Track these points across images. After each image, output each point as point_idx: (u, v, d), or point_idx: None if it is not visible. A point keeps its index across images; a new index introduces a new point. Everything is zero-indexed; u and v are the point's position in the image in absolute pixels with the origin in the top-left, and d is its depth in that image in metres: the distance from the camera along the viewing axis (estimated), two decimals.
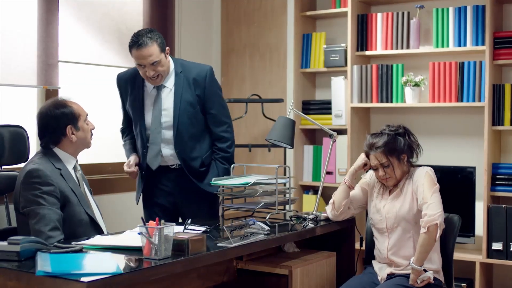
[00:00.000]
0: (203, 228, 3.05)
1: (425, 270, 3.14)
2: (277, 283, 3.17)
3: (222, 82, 5.38)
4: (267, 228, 3.11)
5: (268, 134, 3.68)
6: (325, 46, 4.98)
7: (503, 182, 4.36)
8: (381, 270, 3.34)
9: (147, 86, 3.69)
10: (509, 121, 4.33)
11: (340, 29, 5.06)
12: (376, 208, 3.38)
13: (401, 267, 3.27)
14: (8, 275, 2.38)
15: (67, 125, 3.09)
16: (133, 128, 3.78)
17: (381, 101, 4.75)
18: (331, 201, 3.51)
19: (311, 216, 3.50)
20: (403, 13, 4.71)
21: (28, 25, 4.03)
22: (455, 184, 4.40)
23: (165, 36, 4.95)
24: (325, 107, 5.05)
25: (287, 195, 3.63)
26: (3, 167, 3.36)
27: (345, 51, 4.88)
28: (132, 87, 3.73)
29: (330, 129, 3.85)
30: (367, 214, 3.58)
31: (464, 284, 4.38)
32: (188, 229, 2.95)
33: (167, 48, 3.62)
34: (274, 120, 3.89)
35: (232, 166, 3.68)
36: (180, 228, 2.92)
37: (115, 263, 2.39)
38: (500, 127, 4.36)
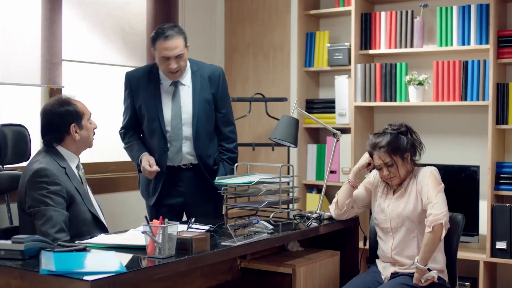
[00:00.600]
0: (206, 227, 3.05)
1: (429, 270, 3.14)
2: (280, 282, 3.17)
3: None
4: (270, 227, 3.11)
5: (272, 133, 3.68)
6: (329, 45, 4.98)
7: (507, 181, 4.36)
8: (385, 269, 3.34)
9: (163, 84, 3.69)
10: None
11: (343, 28, 5.06)
12: (380, 208, 3.37)
13: (405, 266, 3.27)
14: (12, 274, 2.39)
15: (71, 123, 3.09)
16: (145, 126, 3.72)
17: (385, 100, 4.75)
18: (334, 200, 3.51)
19: (314, 215, 3.50)
20: (406, 12, 4.70)
21: (32, 24, 4.03)
22: (459, 183, 4.39)
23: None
24: (328, 106, 5.05)
25: (291, 194, 3.63)
26: (4, 166, 3.36)
27: (349, 50, 4.87)
28: (147, 84, 3.70)
29: (333, 128, 3.84)
30: (370, 213, 3.58)
31: (468, 283, 4.38)
32: (192, 228, 2.95)
33: (188, 44, 3.66)
34: (278, 119, 3.89)
35: (235, 165, 3.68)
36: (183, 227, 2.92)
37: (119, 262, 2.39)
38: (504, 126, 4.35)
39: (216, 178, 3.52)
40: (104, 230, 3.13)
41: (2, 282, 2.41)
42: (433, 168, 3.33)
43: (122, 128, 3.84)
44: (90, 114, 3.20)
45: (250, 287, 3.24)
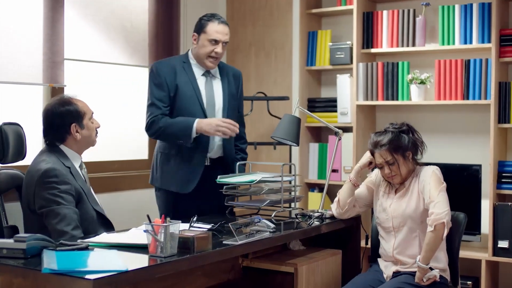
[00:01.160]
0: (208, 226, 3.06)
1: (431, 269, 3.13)
2: (282, 280, 3.17)
3: None
4: (272, 226, 3.11)
5: (274, 131, 3.68)
6: (331, 43, 4.98)
7: (509, 180, 4.35)
8: (387, 268, 3.34)
9: (196, 73, 3.73)
10: None
11: (345, 26, 5.05)
12: (382, 207, 3.37)
13: (407, 265, 3.27)
14: (14, 273, 2.39)
15: (72, 123, 3.10)
16: (185, 109, 3.64)
17: (387, 99, 4.75)
18: (336, 199, 3.51)
19: (316, 214, 3.49)
20: (408, 11, 4.70)
21: (34, 23, 4.03)
22: (460, 182, 4.39)
23: (171, 34, 4.97)
24: (330, 105, 5.05)
25: (293, 193, 3.63)
26: (1, 165, 3.35)
27: (351, 48, 4.87)
28: (181, 71, 3.69)
29: (335, 126, 3.84)
30: (372, 212, 3.57)
31: (470, 282, 4.37)
32: (194, 227, 2.95)
33: None
34: (280, 118, 3.89)
35: (237, 164, 3.68)
36: (185, 226, 2.92)
37: (121, 261, 2.39)
38: (506, 125, 4.35)
39: (218, 177, 3.52)
40: (110, 227, 3.14)
41: (4, 281, 2.41)
42: (435, 167, 3.32)
43: (154, 115, 3.65)
44: (92, 113, 3.20)
45: (252, 286, 3.24)
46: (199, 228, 2.94)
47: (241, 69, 5.39)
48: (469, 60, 4.46)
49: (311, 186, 5.11)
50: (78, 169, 3.13)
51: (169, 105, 3.67)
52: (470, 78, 4.45)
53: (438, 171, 3.30)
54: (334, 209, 3.51)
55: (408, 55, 4.81)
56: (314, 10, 5.08)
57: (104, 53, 4.52)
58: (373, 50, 4.80)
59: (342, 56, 4.90)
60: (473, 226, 4.32)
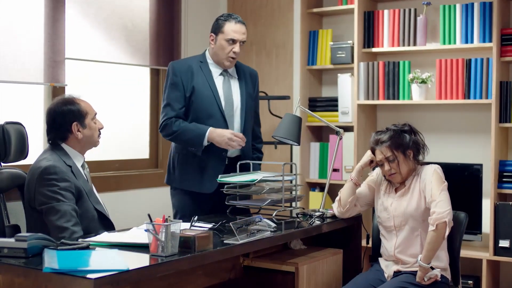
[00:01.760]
0: (209, 225, 3.06)
1: (432, 268, 3.13)
2: (283, 280, 3.17)
3: None
4: (273, 225, 3.11)
5: (275, 131, 3.68)
6: (332, 43, 4.98)
7: (510, 179, 4.35)
8: (388, 268, 3.34)
9: (213, 72, 3.73)
10: None
11: (346, 26, 5.06)
12: (384, 206, 3.37)
13: (408, 265, 3.27)
14: (15, 272, 2.39)
15: (73, 122, 3.10)
16: (202, 110, 3.64)
17: (388, 98, 4.75)
18: (337, 198, 3.51)
19: (317, 213, 3.49)
20: (409, 10, 4.70)
21: (35, 22, 4.03)
22: (462, 181, 4.39)
23: (172, 33, 4.97)
24: (331, 104, 5.05)
25: (294, 192, 3.63)
26: (3, 164, 3.36)
27: (352, 48, 4.87)
28: (198, 71, 3.70)
29: (336, 126, 3.84)
30: (373, 211, 3.57)
31: (471, 282, 4.37)
32: (195, 226, 2.95)
33: None
34: (281, 117, 3.89)
35: (238, 163, 3.67)
36: (186, 225, 2.92)
37: (122, 260, 2.39)
38: (507, 124, 4.35)
39: (219, 176, 3.52)
40: (111, 227, 3.15)
41: (6, 280, 2.42)
42: (437, 166, 3.32)
43: (169, 117, 3.64)
44: (95, 113, 3.20)
45: (253, 285, 3.24)
46: (200, 228, 2.94)
47: None
48: (470, 60, 4.46)
49: (312, 186, 5.11)
50: (80, 169, 3.14)
51: (184, 106, 3.67)
52: (471, 78, 4.45)
53: (439, 170, 3.30)
54: (335, 208, 3.51)
55: (409, 54, 4.81)
56: (315, 10, 5.08)
57: (105, 52, 4.53)
58: (374, 50, 4.80)
59: (343, 55, 4.90)
60: (474, 226, 4.32)
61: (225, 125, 3.66)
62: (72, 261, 2.38)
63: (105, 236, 2.85)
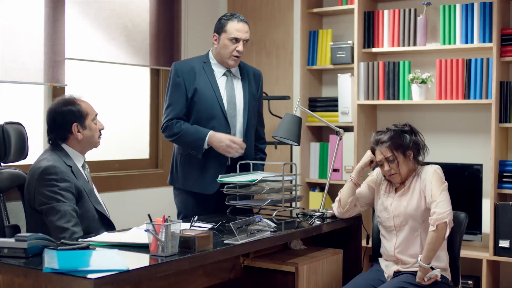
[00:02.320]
0: (209, 225, 3.06)
1: (432, 268, 3.13)
2: (283, 280, 3.17)
3: None
4: (273, 225, 3.11)
5: (275, 131, 3.68)
6: (332, 43, 4.98)
7: (510, 180, 4.35)
8: (388, 268, 3.34)
9: (217, 73, 3.73)
10: None
11: (346, 26, 5.06)
12: (384, 206, 3.37)
13: (408, 265, 3.27)
14: (15, 272, 2.39)
15: (73, 122, 3.10)
16: (203, 111, 3.64)
17: (388, 98, 4.75)
18: (337, 198, 3.51)
19: (317, 214, 3.49)
20: (409, 10, 4.70)
21: (35, 22, 4.04)
22: (462, 182, 4.39)
23: (172, 33, 4.97)
24: (331, 104, 5.05)
25: (294, 192, 3.63)
26: (3, 164, 3.36)
27: (352, 48, 4.87)
28: (200, 72, 3.71)
29: (336, 126, 3.84)
30: (373, 211, 3.57)
31: (471, 282, 4.37)
32: (195, 226, 2.95)
33: None
34: (281, 117, 3.90)
35: (238, 163, 3.67)
36: (186, 225, 2.92)
37: (122, 260, 2.39)
38: (507, 124, 4.35)
39: (219, 176, 3.52)
40: (111, 227, 3.15)
41: (6, 280, 2.42)
42: (437, 166, 3.32)
43: (170, 119, 3.66)
44: (96, 114, 3.20)
45: (253, 285, 3.24)
46: (200, 228, 2.94)
47: None
48: (470, 60, 4.46)
49: (312, 186, 5.11)
50: (81, 169, 3.14)
51: (186, 107, 3.68)
52: (471, 78, 4.45)
53: (439, 170, 3.30)
54: (335, 209, 3.51)
55: (409, 54, 4.81)
56: (315, 10, 5.08)
57: (105, 52, 4.53)
58: (374, 50, 4.80)
59: (343, 55, 4.90)
60: (474, 226, 4.32)
61: (227, 126, 3.66)
62: (72, 261, 2.38)
63: (105, 236, 2.85)
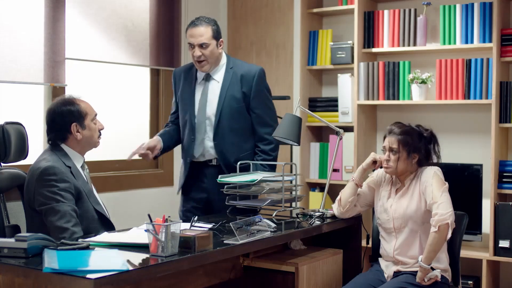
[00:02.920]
0: (209, 225, 3.06)
1: (432, 269, 3.13)
2: (283, 280, 3.17)
3: None
4: (273, 225, 3.11)
5: (275, 131, 3.68)
6: (332, 43, 4.98)
7: (510, 180, 4.35)
8: (388, 268, 3.34)
9: (198, 78, 3.79)
10: None
11: (346, 26, 5.06)
12: (384, 208, 3.37)
13: (408, 265, 3.27)
14: (15, 272, 2.39)
15: (72, 122, 3.10)
16: (181, 118, 3.83)
17: (388, 99, 4.75)
18: (337, 198, 3.51)
19: (317, 214, 3.49)
20: (409, 10, 4.70)
21: (35, 22, 4.04)
22: (462, 182, 4.39)
23: (172, 33, 4.97)
24: (331, 105, 5.05)
25: (294, 193, 3.63)
26: (3, 164, 3.36)
27: (352, 48, 4.87)
28: (185, 78, 3.83)
29: (336, 126, 3.84)
30: (373, 212, 3.57)
31: (471, 282, 4.37)
32: (195, 226, 2.95)
33: (221, 39, 3.75)
34: (281, 118, 3.89)
35: (238, 163, 3.67)
36: (186, 225, 2.92)
37: (122, 260, 2.39)
38: (507, 125, 4.35)
39: (219, 176, 3.52)
40: (110, 228, 3.15)
41: (6, 280, 2.42)
42: (437, 168, 3.31)
43: (166, 124, 4.00)
44: (95, 114, 3.20)
45: (253, 286, 3.24)
46: (200, 228, 2.94)
47: None
48: (470, 60, 4.46)
49: (312, 186, 5.11)
50: (80, 169, 3.13)
51: (176, 112, 3.90)
52: (471, 78, 4.45)
53: (439, 172, 3.29)
54: (335, 209, 3.51)
55: (409, 54, 4.81)
56: (315, 10, 5.08)
57: (105, 52, 4.53)
58: (374, 50, 4.80)
59: (343, 55, 4.90)
60: (474, 226, 4.32)
61: (193, 133, 3.75)
62: (72, 261, 2.38)
63: (105, 236, 2.85)
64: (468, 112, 4.67)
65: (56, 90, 4.17)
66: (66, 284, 2.23)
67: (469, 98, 4.47)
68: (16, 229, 3.18)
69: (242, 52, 5.44)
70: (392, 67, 4.73)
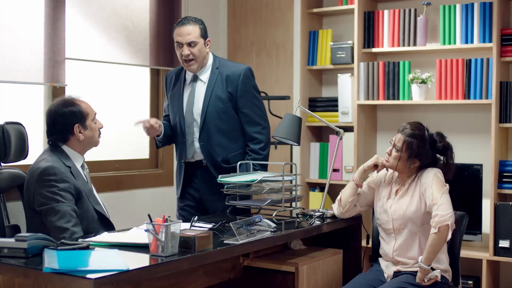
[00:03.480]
0: (209, 225, 3.06)
1: (432, 269, 3.13)
2: (283, 280, 3.17)
3: None
4: (273, 225, 3.11)
5: (275, 131, 3.68)
6: (332, 43, 4.98)
7: (510, 180, 4.35)
8: (388, 268, 3.34)
9: (187, 79, 3.80)
10: None
11: (346, 26, 5.06)
12: (383, 208, 3.37)
13: (407, 265, 3.27)
14: (15, 272, 2.39)
15: (75, 123, 3.10)
16: (172, 120, 3.86)
17: (388, 99, 4.75)
18: (337, 198, 3.51)
19: (317, 214, 3.49)
20: (410, 10, 4.70)
21: (35, 22, 4.03)
22: (462, 182, 4.39)
23: (172, 33, 4.96)
24: (331, 104, 5.05)
25: (294, 193, 3.63)
26: (3, 164, 3.36)
27: (352, 48, 4.87)
28: (175, 80, 3.85)
29: (336, 126, 3.84)
30: (373, 212, 3.57)
31: (471, 282, 4.37)
32: (195, 226, 2.95)
33: (208, 39, 3.75)
34: (281, 117, 3.90)
35: (238, 163, 3.67)
36: (186, 225, 2.92)
37: (122, 260, 2.39)
38: (507, 125, 4.35)
39: (219, 176, 3.52)
40: (110, 228, 3.15)
41: (6, 280, 2.42)
42: (437, 169, 3.30)
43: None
44: (95, 114, 3.21)
45: (253, 285, 3.24)
46: (200, 228, 2.94)
47: None
48: (470, 60, 4.46)
49: (312, 186, 5.11)
50: (80, 169, 3.13)
51: (168, 114, 3.92)
52: (471, 78, 4.45)
53: (439, 174, 3.28)
54: (335, 208, 3.51)
55: (409, 54, 4.81)
56: (315, 10, 5.08)
57: (105, 52, 4.53)
58: (374, 50, 4.80)
59: (343, 55, 4.90)
60: (474, 226, 4.32)
61: (182, 134, 3.78)
62: (72, 261, 2.38)
63: (105, 236, 2.85)
64: (468, 112, 4.67)
65: (56, 90, 4.17)
66: (66, 284, 2.23)
67: (469, 98, 4.47)
68: (16, 229, 3.18)
69: (242, 52, 5.44)
70: (392, 67, 4.73)
